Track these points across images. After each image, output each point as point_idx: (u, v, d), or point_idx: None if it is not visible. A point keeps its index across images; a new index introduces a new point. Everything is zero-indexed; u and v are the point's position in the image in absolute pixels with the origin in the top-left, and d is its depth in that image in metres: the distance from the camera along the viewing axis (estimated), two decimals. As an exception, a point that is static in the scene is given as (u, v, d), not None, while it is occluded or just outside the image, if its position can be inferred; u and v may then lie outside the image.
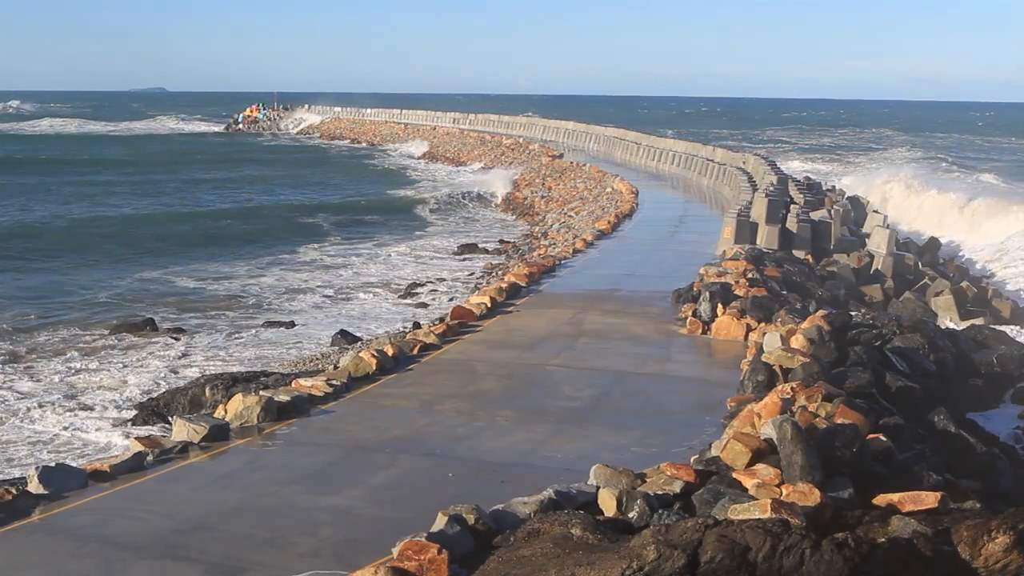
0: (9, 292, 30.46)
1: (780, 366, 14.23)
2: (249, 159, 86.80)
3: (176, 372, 21.40)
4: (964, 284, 29.18)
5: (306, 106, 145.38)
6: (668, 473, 10.02)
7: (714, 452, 10.39)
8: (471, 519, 8.80)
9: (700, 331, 18.50)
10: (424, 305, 27.77)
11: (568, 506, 9.32)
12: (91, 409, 18.66)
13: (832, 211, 33.58)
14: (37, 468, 10.76)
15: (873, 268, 29.47)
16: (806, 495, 8.94)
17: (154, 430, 15.89)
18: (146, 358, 22.61)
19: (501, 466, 11.35)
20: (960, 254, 38.60)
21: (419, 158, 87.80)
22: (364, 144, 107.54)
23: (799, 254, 28.26)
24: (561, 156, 65.78)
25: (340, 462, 11.52)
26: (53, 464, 11.34)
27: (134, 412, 18.01)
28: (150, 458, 11.48)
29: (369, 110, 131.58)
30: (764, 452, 10.09)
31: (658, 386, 15.07)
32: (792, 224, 29.86)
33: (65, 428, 17.56)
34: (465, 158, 79.48)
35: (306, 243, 40.91)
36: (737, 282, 21.25)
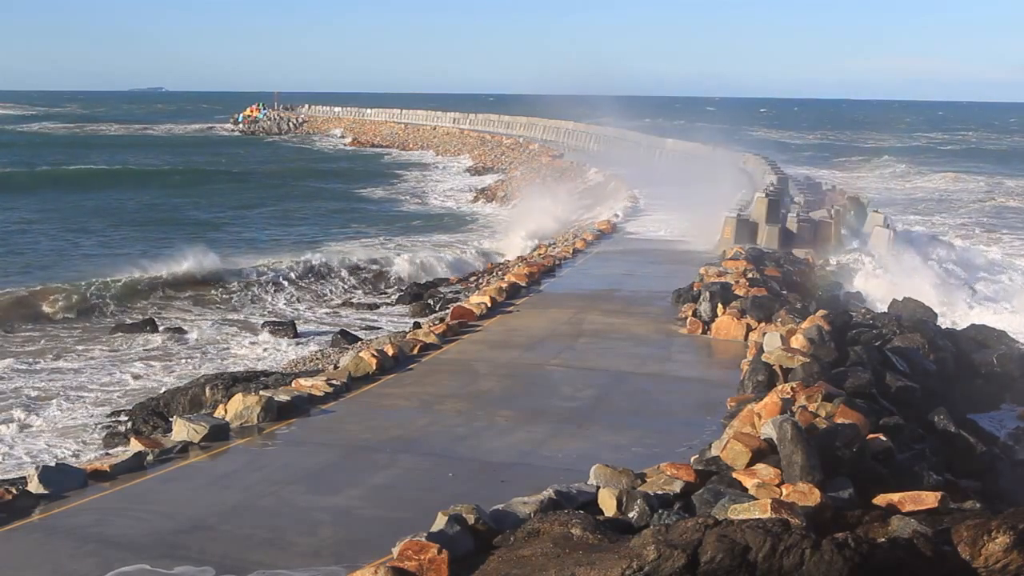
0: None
1: (780, 366, 14.24)
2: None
3: (176, 372, 21.41)
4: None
5: (306, 106, 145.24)
6: (668, 473, 10.02)
7: (714, 452, 10.40)
8: (471, 519, 8.79)
9: (700, 331, 18.50)
10: (431, 308, 27.71)
11: (568, 506, 9.32)
12: (92, 408, 18.67)
13: (832, 211, 33.59)
14: (37, 468, 10.77)
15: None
16: (806, 495, 8.94)
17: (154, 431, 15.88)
18: (146, 358, 22.62)
19: (501, 466, 11.35)
20: None
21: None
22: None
23: (799, 254, 28.26)
24: (561, 156, 65.71)
25: (340, 462, 11.52)
26: (53, 464, 11.35)
27: (134, 412, 17.98)
28: (150, 458, 11.48)
29: (369, 110, 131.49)
30: (764, 452, 10.10)
31: (658, 386, 15.07)
32: (792, 224, 29.87)
33: (66, 427, 17.58)
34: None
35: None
36: (737, 282, 21.26)
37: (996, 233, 45.48)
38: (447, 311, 22.23)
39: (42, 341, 24.42)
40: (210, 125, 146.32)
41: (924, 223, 47.76)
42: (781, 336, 15.34)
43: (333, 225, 47.77)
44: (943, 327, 21.37)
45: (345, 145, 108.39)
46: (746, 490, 9.43)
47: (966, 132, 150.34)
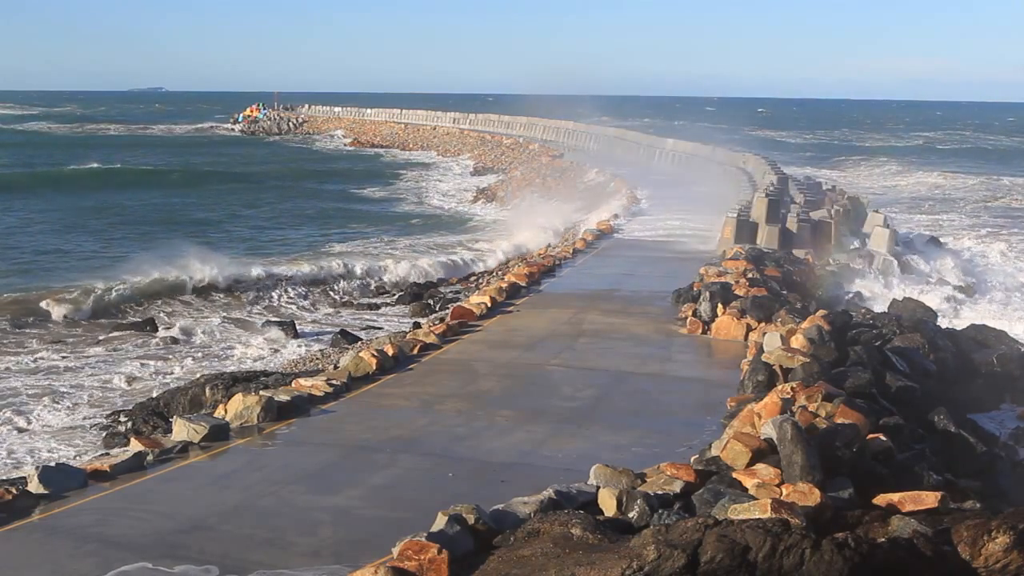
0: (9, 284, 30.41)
1: (780, 366, 14.24)
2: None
3: (176, 372, 21.40)
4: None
5: (306, 106, 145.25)
6: (668, 473, 10.02)
7: (714, 452, 10.40)
8: (471, 519, 8.79)
9: (700, 331, 18.50)
10: (431, 308, 27.70)
11: (568, 506, 9.32)
12: (92, 408, 18.67)
13: (832, 211, 33.60)
14: (37, 468, 10.77)
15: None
16: (806, 495, 8.94)
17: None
18: (146, 358, 22.61)
19: (501, 466, 11.35)
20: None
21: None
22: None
23: (799, 254, 28.27)
24: (561, 156, 65.64)
25: (340, 462, 11.52)
26: (53, 464, 11.34)
27: (134, 412, 17.98)
28: (150, 458, 11.48)
29: (369, 110, 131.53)
30: (764, 452, 10.10)
31: (658, 386, 15.07)
32: (792, 224, 29.86)
33: (66, 427, 17.58)
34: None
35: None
36: (737, 282, 21.26)
37: (1005, 232, 45.24)
38: (447, 311, 22.25)
39: (41, 341, 24.40)
40: (210, 125, 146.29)
41: (932, 223, 47.70)
42: (781, 336, 15.34)
43: (333, 225, 47.72)
44: (943, 327, 21.36)
45: (345, 145, 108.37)
46: (746, 490, 9.43)
47: (964, 131, 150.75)
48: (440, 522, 8.65)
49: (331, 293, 30.89)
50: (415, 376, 15.49)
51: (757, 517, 8.05)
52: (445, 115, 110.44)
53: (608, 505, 9.30)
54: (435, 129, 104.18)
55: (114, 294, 28.52)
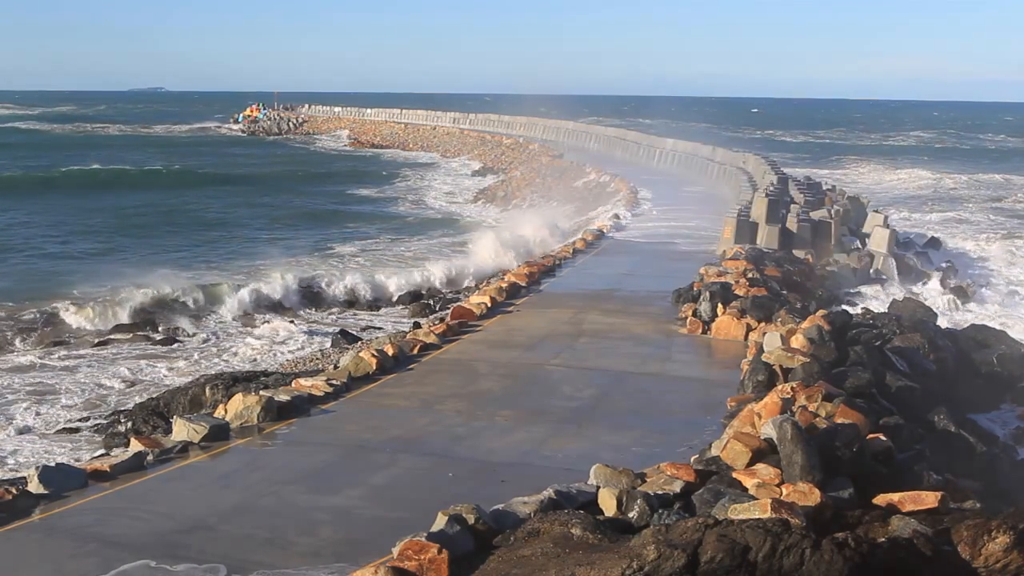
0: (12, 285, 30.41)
1: (780, 366, 14.24)
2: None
3: (176, 372, 21.40)
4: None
5: (306, 106, 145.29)
6: (668, 473, 10.02)
7: (714, 452, 10.40)
8: (471, 519, 8.80)
9: (700, 331, 18.50)
10: (431, 308, 27.70)
11: (568, 506, 9.32)
12: (91, 408, 18.66)
13: (832, 211, 33.60)
14: (37, 468, 10.77)
15: (873, 268, 29.49)
16: (806, 495, 8.94)
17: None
18: (146, 358, 22.61)
19: (501, 466, 11.35)
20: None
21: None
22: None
23: (799, 254, 28.27)
24: (561, 156, 65.61)
25: (340, 462, 11.52)
26: (53, 464, 11.34)
27: (134, 412, 17.97)
28: (150, 458, 11.48)
29: (369, 110, 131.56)
30: (764, 452, 10.10)
31: (658, 386, 15.07)
32: (792, 224, 29.86)
33: (65, 428, 17.58)
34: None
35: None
36: (737, 282, 21.26)
37: (1005, 232, 44.98)
38: (447, 311, 22.25)
39: (41, 342, 24.37)
40: (211, 125, 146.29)
41: (931, 223, 47.60)
42: (781, 336, 15.34)
43: (333, 226, 47.66)
44: (943, 327, 21.35)
45: (345, 145, 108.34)
46: (746, 490, 9.43)
47: (962, 131, 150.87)
48: (440, 522, 8.66)
49: (332, 292, 30.79)
50: (415, 376, 15.49)
51: (757, 517, 8.05)
52: (445, 115, 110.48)
53: (608, 505, 9.30)
54: (435, 129, 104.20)
55: (114, 294, 28.49)
